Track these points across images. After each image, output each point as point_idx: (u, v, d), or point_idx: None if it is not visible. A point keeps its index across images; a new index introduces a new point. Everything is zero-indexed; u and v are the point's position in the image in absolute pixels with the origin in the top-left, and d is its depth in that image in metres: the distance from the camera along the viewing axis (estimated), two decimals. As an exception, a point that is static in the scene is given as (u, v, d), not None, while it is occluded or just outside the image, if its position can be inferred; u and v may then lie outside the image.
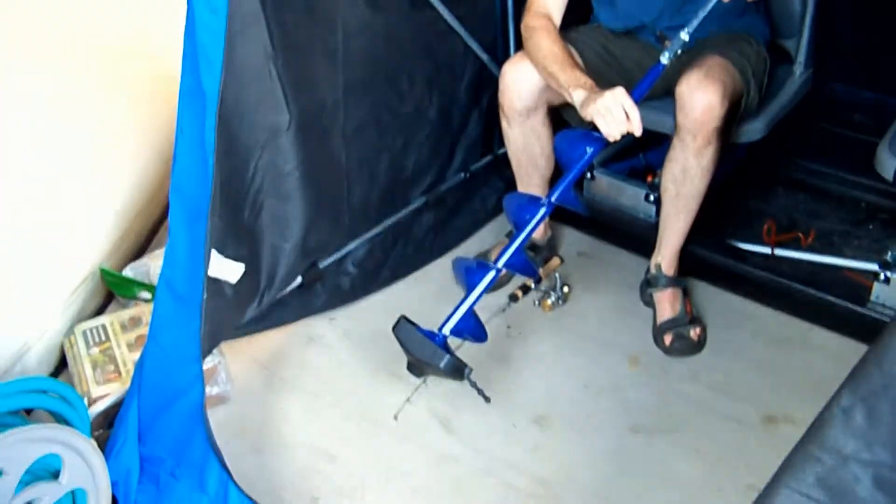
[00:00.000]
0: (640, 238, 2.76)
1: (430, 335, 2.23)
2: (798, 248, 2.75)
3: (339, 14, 2.39)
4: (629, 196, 2.81)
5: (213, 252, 2.12)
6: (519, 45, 2.55)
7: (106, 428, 2.21)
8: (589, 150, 2.28)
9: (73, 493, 1.87)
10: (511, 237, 2.35)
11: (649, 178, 2.81)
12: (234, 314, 2.41)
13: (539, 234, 2.85)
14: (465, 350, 2.31)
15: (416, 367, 2.28)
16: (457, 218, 3.07)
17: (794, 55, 2.69)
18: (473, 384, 2.25)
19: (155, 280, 2.61)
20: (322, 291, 2.72)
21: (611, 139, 2.19)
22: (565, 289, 2.73)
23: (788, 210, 2.95)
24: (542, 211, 2.32)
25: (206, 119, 1.99)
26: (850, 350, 2.45)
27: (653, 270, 2.61)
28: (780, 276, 2.61)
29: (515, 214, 2.38)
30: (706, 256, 2.69)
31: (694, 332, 2.53)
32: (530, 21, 2.47)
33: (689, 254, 2.61)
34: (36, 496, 1.79)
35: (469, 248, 3.02)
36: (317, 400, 2.47)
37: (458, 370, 2.20)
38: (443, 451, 2.29)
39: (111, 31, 2.92)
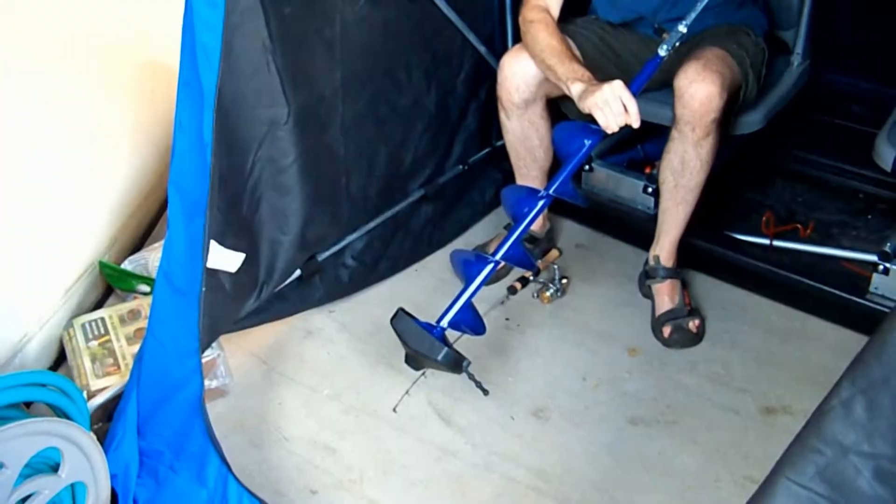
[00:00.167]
0: (639, 230, 2.77)
1: (428, 328, 2.23)
2: (797, 239, 2.75)
3: (338, 7, 2.39)
4: (628, 188, 2.81)
5: (213, 242, 2.12)
6: (517, 38, 2.54)
7: (105, 421, 2.21)
8: (587, 142, 2.28)
9: (72, 486, 1.88)
10: (509, 229, 2.35)
11: (647, 170, 2.81)
12: (233, 307, 2.40)
13: (537, 226, 2.85)
14: (464, 342, 2.31)
15: (415, 360, 2.27)
16: (455, 210, 3.07)
17: (791, 46, 2.69)
18: (472, 377, 2.25)
19: (154, 273, 2.61)
20: (321, 284, 2.72)
21: (609, 131, 2.19)
22: (564, 281, 2.73)
23: (787, 201, 2.96)
24: (541, 203, 2.32)
25: (204, 113, 1.99)
26: (850, 341, 2.45)
27: (651, 262, 2.61)
28: (778, 267, 2.61)
29: (514, 207, 2.38)
30: (705, 248, 2.70)
31: (693, 324, 2.53)
32: (528, 13, 2.46)
33: (687, 245, 2.61)
34: (35, 489, 1.79)
35: (468, 241, 3.02)
36: (315, 393, 2.47)
37: (456, 363, 2.20)
38: (441, 444, 2.29)
39: (111, 31, 2.91)
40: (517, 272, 2.76)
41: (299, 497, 2.17)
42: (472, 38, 2.88)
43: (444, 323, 2.25)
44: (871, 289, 2.47)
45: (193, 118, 2.02)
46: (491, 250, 2.40)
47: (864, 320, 2.40)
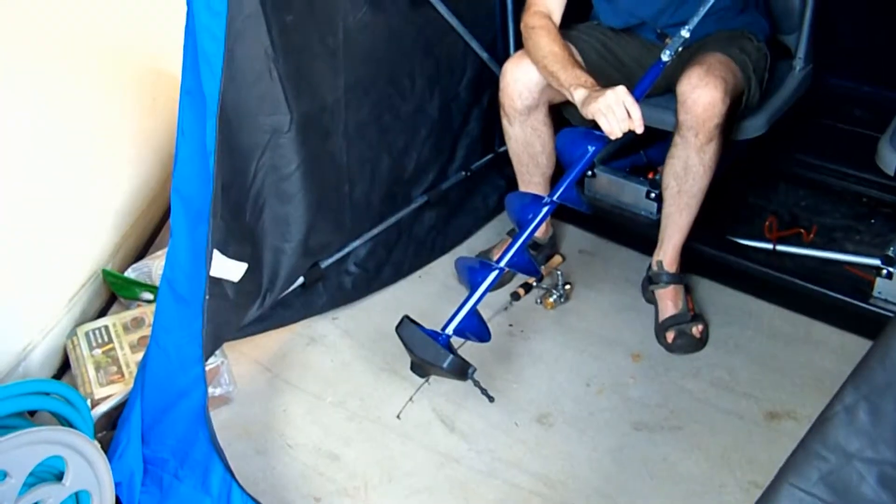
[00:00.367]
0: (642, 235, 2.77)
1: (433, 335, 2.23)
2: (800, 243, 2.75)
3: (340, 14, 2.39)
4: (630, 193, 2.81)
5: (216, 252, 2.12)
6: (519, 44, 2.54)
7: (109, 429, 2.21)
8: (590, 148, 2.28)
9: (76, 494, 1.88)
10: (513, 235, 2.35)
11: (650, 175, 2.81)
12: (237, 315, 2.41)
13: (541, 233, 2.85)
14: (467, 348, 2.31)
15: (421, 368, 2.28)
16: (458, 216, 3.07)
17: (794, 51, 2.69)
18: (477, 384, 2.26)
19: (157, 281, 2.62)
20: (324, 291, 2.72)
21: (612, 137, 2.19)
22: (567, 286, 2.73)
23: (790, 206, 2.95)
24: (545, 210, 2.32)
25: (206, 121, 1.99)
26: (853, 346, 2.45)
27: (654, 267, 2.61)
28: (782, 271, 2.61)
29: (518, 214, 2.38)
30: (708, 253, 2.69)
31: (696, 329, 2.53)
32: (530, 20, 2.46)
33: (690, 250, 2.61)
34: (40, 498, 1.79)
35: (471, 246, 3.02)
36: (319, 400, 2.47)
37: (462, 370, 2.20)
38: (445, 451, 2.29)
39: (111, 31, 2.92)
40: (520, 278, 2.76)
41: (303, 504, 2.18)
42: (474, 44, 2.88)
43: (450, 330, 2.25)
44: (875, 293, 2.46)
45: (196, 126, 2.02)
46: (494, 256, 2.41)
47: (868, 324, 2.40)
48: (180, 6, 1.93)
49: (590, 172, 2.86)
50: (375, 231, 2.83)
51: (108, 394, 2.31)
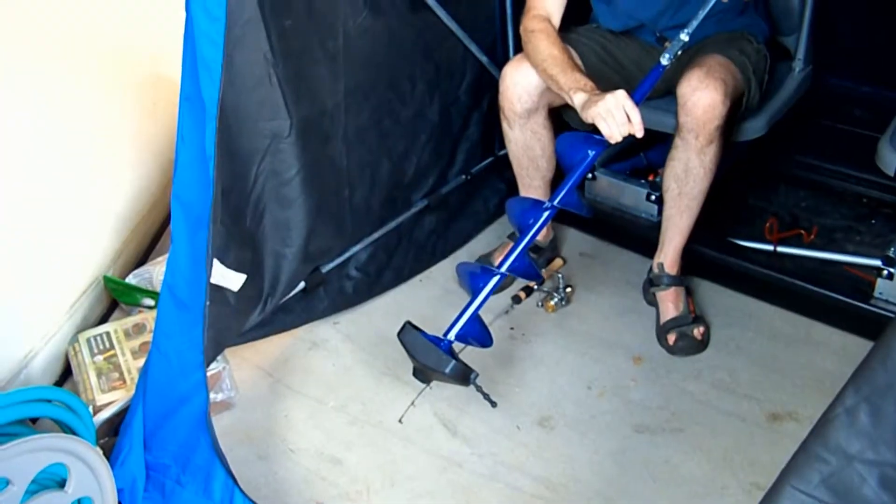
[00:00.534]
0: (643, 237, 2.77)
1: (435, 341, 2.23)
2: (800, 244, 2.75)
3: (340, 19, 2.39)
4: (631, 196, 2.82)
5: (216, 262, 2.12)
6: (518, 47, 2.54)
7: (111, 436, 2.21)
8: (591, 152, 2.28)
9: (79, 501, 1.87)
10: (513, 238, 2.35)
11: (651, 178, 2.81)
12: (238, 320, 2.41)
13: (542, 236, 2.84)
14: (468, 352, 2.31)
15: (423, 373, 2.28)
16: (458, 220, 3.07)
17: (793, 52, 2.69)
18: (479, 389, 2.26)
19: (158, 287, 2.62)
20: (325, 296, 2.72)
21: (612, 141, 2.18)
22: (568, 290, 2.73)
23: (790, 207, 2.95)
24: (546, 215, 2.32)
25: (206, 126, 1.99)
26: (854, 346, 2.45)
27: (655, 270, 2.61)
28: (782, 273, 2.61)
29: (518, 218, 2.38)
30: (709, 255, 2.69)
31: (697, 331, 2.53)
32: (529, 23, 2.46)
33: (691, 252, 2.61)
34: (42, 506, 1.79)
35: (471, 250, 3.02)
36: (321, 405, 2.47)
37: (464, 376, 2.20)
38: (447, 455, 2.29)
39: (111, 32, 2.92)
40: (521, 281, 2.76)
41: (306, 509, 2.18)
42: (473, 48, 2.88)
43: (452, 336, 2.25)
44: (876, 294, 2.46)
45: (196, 132, 2.02)
46: (495, 260, 2.41)
47: (869, 325, 2.40)
48: (180, 5, 1.93)
49: (590, 175, 2.86)
50: (376, 235, 2.83)
51: (110, 400, 2.31)
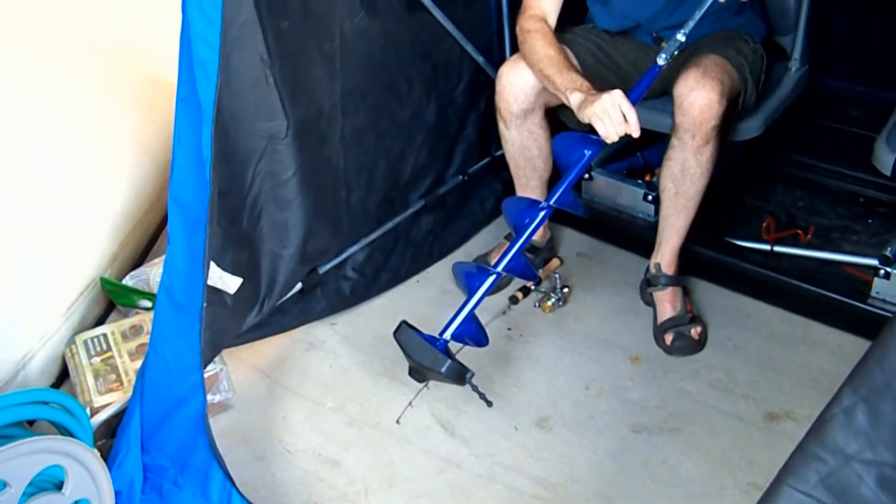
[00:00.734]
0: (640, 237, 2.77)
1: (431, 340, 2.23)
2: (797, 244, 2.76)
3: (337, 20, 2.39)
4: (628, 196, 2.82)
5: (213, 265, 2.12)
6: (515, 48, 2.55)
7: (109, 438, 2.21)
8: (587, 152, 2.28)
9: (76, 503, 1.87)
10: (510, 239, 2.35)
11: (648, 178, 2.81)
12: (235, 322, 2.40)
13: (538, 236, 2.85)
14: (466, 352, 2.31)
15: (419, 373, 2.27)
16: (455, 220, 3.07)
17: (789, 52, 2.69)
18: (475, 388, 2.25)
19: (155, 288, 2.61)
20: (322, 297, 2.72)
21: (609, 141, 2.18)
22: (565, 290, 2.73)
23: (787, 207, 2.96)
24: (542, 215, 2.32)
25: (202, 127, 1.99)
26: (851, 346, 2.46)
27: (652, 270, 2.61)
28: (779, 272, 2.61)
29: (515, 218, 2.38)
30: (706, 255, 2.69)
31: (695, 331, 2.53)
32: (525, 23, 2.46)
33: (688, 252, 2.61)
34: (40, 508, 1.79)
35: (468, 251, 3.02)
36: (318, 406, 2.47)
37: (459, 375, 2.20)
38: (445, 455, 2.29)
39: (111, 32, 2.92)
40: (518, 282, 2.76)
41: (304, 510, 2.18)
42: (469, 48, 2.88)
43: (447, 335, 2.25)
44: (873, 293, 2.47)
45: (192, 133, 2.02)
46: (492, 260, 2.40)
47: (866, 325, 2.41)
48: (179, 9, 1.93)
49: (587, 175, 2.87)
50: (373, 236, 2.83)
51: (108, 402, 2.30)
